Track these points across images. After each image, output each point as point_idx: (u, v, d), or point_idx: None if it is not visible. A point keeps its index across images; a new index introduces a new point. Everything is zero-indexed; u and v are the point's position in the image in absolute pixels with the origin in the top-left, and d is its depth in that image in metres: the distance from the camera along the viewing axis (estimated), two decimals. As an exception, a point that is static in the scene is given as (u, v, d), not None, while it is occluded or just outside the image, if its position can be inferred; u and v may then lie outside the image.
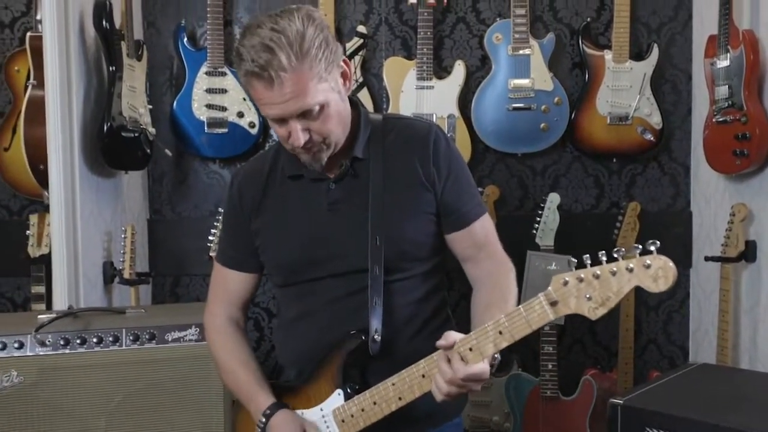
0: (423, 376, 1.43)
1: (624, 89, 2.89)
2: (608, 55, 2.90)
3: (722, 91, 2.52)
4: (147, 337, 1.96)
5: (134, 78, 2.67)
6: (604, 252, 1.24)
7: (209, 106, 2.92)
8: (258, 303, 3.07)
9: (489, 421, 2.85)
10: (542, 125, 2.91)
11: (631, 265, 1.21)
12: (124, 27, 2.62)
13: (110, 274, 2.64)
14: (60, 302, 2.35)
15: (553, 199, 2.83)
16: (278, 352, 1.78)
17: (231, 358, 1.69)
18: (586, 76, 2.93)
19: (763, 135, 2.38)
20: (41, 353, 1.90)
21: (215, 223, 2.80)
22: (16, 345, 1.89)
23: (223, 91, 2.93)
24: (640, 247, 1.21)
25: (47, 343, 1.91)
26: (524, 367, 2.84)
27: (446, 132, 2.86)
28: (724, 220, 2.61)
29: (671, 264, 1.18)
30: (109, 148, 2.52)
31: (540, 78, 2.90)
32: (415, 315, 1.61)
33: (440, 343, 1.37)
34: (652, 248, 1.20)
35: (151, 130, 2.74)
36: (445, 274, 1.71)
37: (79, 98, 2.44)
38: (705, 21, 2.82)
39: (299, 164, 1.60)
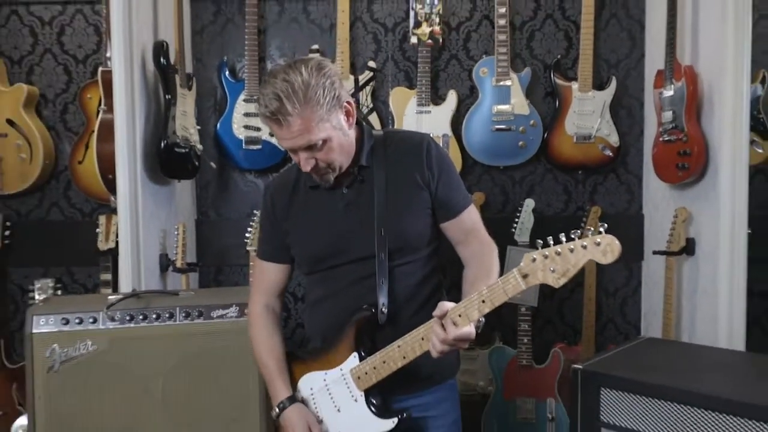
0: (422, 338, 1.49)
1: (588, 114, 2.92)
2: (575, 86, 2.93)
3: (667, 115, 2.57)
4: (196, 314, 2.01)
5: (185, 104, 2.73)
6: (563, 234, 1.30)
7: (246, 127, 2.97)
8: (287, 287, 3.11)
9: (476, 386, 2.88)
10: (520, 143, 2.94)
11: (585, 243, 1.28)
12: (178, 62, 2.69)
13: (165, 264, 2.70)
14: (125, 286, 2.41)
15: (529, 203, 2.87)
16: (306, 326, 1.84)
17: (260, 343, 1.76)
18: (557, 102, 2.97)
19: (700, 151, 2.43)
20: (111, 327, 1.96)
21: (251, 223, 2.86)
22: (90, 320, 1.96)
23: (258, 114, 2.98)
24: (592, 229, 1.28)
25: (116, 318, 1.97)
26: (505, 341, 2.87)
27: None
28: (670, 221, 2.64)
29: (617, 242, 1.26)
30: (165, 161, 2.59)
31: (519, 104, 2.93)
32: (415, 294, 1.66)
33: (435, 312, 1.44)
34: (602, 230, 1.27)
35: (199, 146, 2.80)
36: (440, 262, 1.75)
37: (140, 121, 2.51)
38: (655, 58, 2.86)
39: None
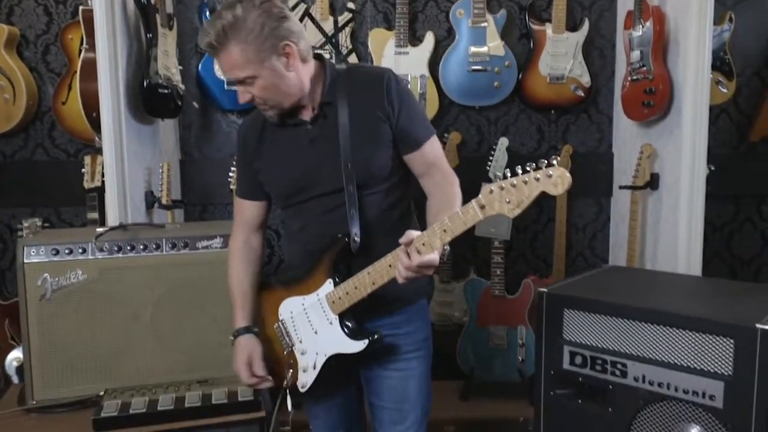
0: (390, 266, 1.53)
1: (561, 55, 2.95)
2: (549, 28, 2.95)
3: (635, 55, 2.61)
4: (182, 245, 2.06)
5: (166, 44, 2.71)
6: (519, 166, 1.34)
7: (227, 68, 2.97)
8: (269, 226, 3.14)
9: (451, 316, 2.99)
10: (495, 84, 2.98)
11: (538, 176, 1.31)
12: (158, 2, 2.66)
13: (151, 200, 2.72)
14: (113, 222, 2.41)
15: (503, 142, 2.93)
16: (285, 256, 1.91)
17: (231, 275, 1.84)
18: (531, 44, 2.99)
19: (665, 90, 2.49)
20: (100, 257, 2.01)
21: (234, 163, 2.88)
22: (80, 250, 2.00)
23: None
24: (545, 161, 1.31)
25: (104, 249, 2.01)
26: (479, 274, 2.96)
27: (418, 89, 2.98)
28: (636, 158, 2.72)
29: (567, 174, 1.29)
30: (148, 100, 2.59)
31: (494, 46, 2.95)
32: (384, 221, 1.71)
33: (401, 240, 1.47)
34: (554, 162, 1.31)
35: (181, 86, 2.79)
36: (408, 189, 1.79)
37: (122, 59, 2.49)
38: (626, 0, 2.87)
39: (282, 115, 1.70)
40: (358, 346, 1.64)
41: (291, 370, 1.75)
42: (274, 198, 1.81)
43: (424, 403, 1.80)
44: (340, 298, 1.64)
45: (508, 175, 1.36)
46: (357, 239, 1.65)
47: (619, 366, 1.78)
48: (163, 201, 2.69)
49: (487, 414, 2.76)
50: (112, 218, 2.43)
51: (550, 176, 1.30)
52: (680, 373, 1.67)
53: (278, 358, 1.79)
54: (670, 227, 2.53)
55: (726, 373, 1.60)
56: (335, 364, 1.67)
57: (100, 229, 2.06)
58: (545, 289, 1.95)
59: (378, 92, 1.66)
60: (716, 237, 3.16)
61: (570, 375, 1.88)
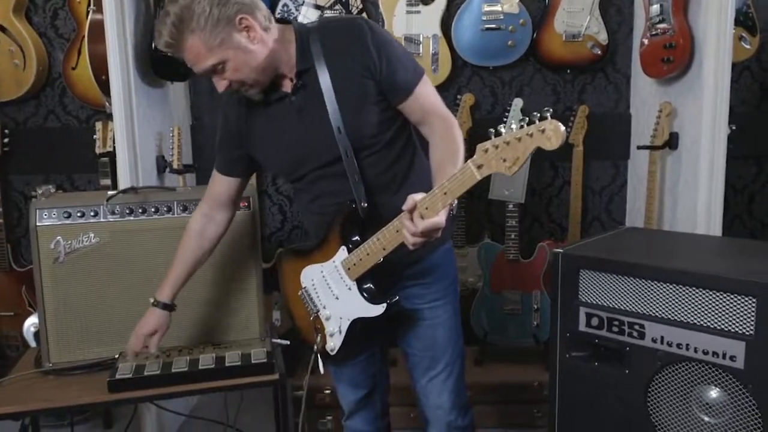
0: (397, 231, 1.50)
1: (577, 11, 2.87)
2: (565, -17, 2.86)
3: (655, 9, 2.52)
4: (193, 207, 2.01)
5: (174, 5, 2.67)
6: (513, 122, 1.30)
7: (237, 31, 2.92)
8: (282, 191, 3.14)
9: (466, 282, 2.97)
10: (510, 43, 2.91)
11: (531, 131, 1.26)
12: (164, -38, 2.61)
13: (162, 165, 2.70)
14: (124, 186, 2.41)
15: (517, 103, 2.85)
16: (304, 224, 1.92)
17: (181, 246, 1.85)
18: (546, 0, 2.91)
19: (686, 44, 2.40)
20: (111, 219, 1.99)
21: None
22: (92, 213, 1.98)
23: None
24: (538, 115, 1.25)
25: (116, 211, 1.99)
26: (493, 238, 2.92)
27: (430, 49, 2.91)
28: (655, 118, 2.64)
29: (561, 127, 1.23)
30: (156, 61, 2.55)
31: (508, 3, 2.87)
32: (390, 179, 1.67)
33: (404, 206, 1.43)
34: (547, 115, 1.25)
35: (190, 48, 2.75)
36: (409, 137, 1.73)
37: (130, 21, 2.45)
38: (647, -48, 2.77)
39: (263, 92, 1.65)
40: (377, 309, 1.63)
41: (319, 334, 1.75)
42: (276, 174, 1.81)
43: (454, 346, 1.82)
44: (355, 265, 1.63)
45: (502, 131, 1.31)
46: (364, 204, 1.62)
47: (636, 327, 1.74)
48: (174, 165, 2.67)
49: (501, 379, 2.74)
50: (124, 183, 2.43)
51: (542, 131, 1.24)
52: (700, 333, 1.62)
53: (306, 322, 1.80)
54: (690, 188, 2.46)
55: (747, 333, 1.56)
56: (361, 326, 1.66)
57: (111, 192, 2.04)
58: (560, 250, 1.90)
59: (355, 46, 1.57)
60: (737, 199, 3.09)
61: (586, 337, 1.84)
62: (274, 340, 2.05)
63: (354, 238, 1.65)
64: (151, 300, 1.82)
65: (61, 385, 1.91)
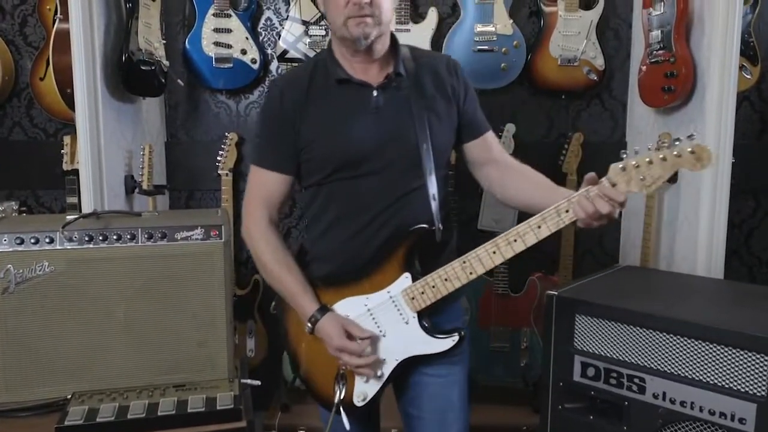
0: (494, 252, 1.45)
1: (573, 35, 2.78)
2: (561, 5, 2.77)
3: (655, 35, 2.43)
4: (159, 235, 1.88)
5: (150, 16, 2.54)
6: (650, 144, 1.35)
7: (216, 44, 2.80)
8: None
9: (451, 314, 2.85)
10: (502, 65, 2.80)
11: (678, 152, 1.30)
12: (140, -30, 2.49)
13: (131, 185, 2.56)
14: (87, 208, 2.29)
15: (510, 128, 2.77)
16: (312, 248, 1.68)
17: (276, 261, 1.62)
18: (541, 22, 2.82)
19: (688, 73, 2.30)
20: (68, 247, 1.84)
21: (222, 146, 2.73)
22: (47, 240, 1.83)
23: (228, 30, 2.80)
24: (681, 138, 1.30)
25: (74, 238, 1.84)
26: (481, 270, 2.81)
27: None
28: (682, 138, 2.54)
29: (709, 149, 1.29)
30: (128, 76, 2.42)
31: (502, 24, 2.78)
32: (444, 209, 1.59)
33: (588, 177, 1.41)
34: (695, 135, 1.30)
35: (165, 62, 2.62)
36: None
37: (100, 31, 2.32)
38: (646, -24, 2.69)
39: (344, 71, 1.55)
40: (444, 344, 1.53)
41: (342, 383, 1.57)
42: (317, 167, 1.58)
43: (467, 413, 1.67)
44: (423, 293, 1.51)
45: (637, 150, 1.35)
46: (441, 227, 1.53)
47: (636, 380, 1.62)
48: (144, 186, 2.54)
49: (487, 421, 2.60)
50: (87, 203, 2.29)
51: (692, 152, 1.28)
52: (706, 391, 1.51)
53: (321, 370, 1.62)
54: (690, 225, 2.36)
55: (759, 394, 1.44)
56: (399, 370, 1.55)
57: (69, 217, 1.89)
58: (555, 292, 1.78)
59: (448, 74, 1.60)
60: (735, 234, 3.00)
61: (581, 388, 1.72)
62: (244, 381, 1.90)
63: (418, 266, 1.53)
64: (307, 328, 1.58)
65: (7, 429, 1.75)
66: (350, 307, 1.57)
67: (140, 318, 1.88)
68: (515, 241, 1.44)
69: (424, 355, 1.54)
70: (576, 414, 1.74)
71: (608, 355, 1.68)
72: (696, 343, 1.52)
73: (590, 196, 1.37)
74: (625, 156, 1.35)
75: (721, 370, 1.49)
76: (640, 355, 1.62)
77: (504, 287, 2.70)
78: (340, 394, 1.57)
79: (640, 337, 1.62)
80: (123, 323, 1.88)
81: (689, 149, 1.28)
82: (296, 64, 2.77)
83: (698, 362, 1.53)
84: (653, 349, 1.60)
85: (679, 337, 1.55)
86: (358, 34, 1.47)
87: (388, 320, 1.54)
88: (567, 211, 1.41)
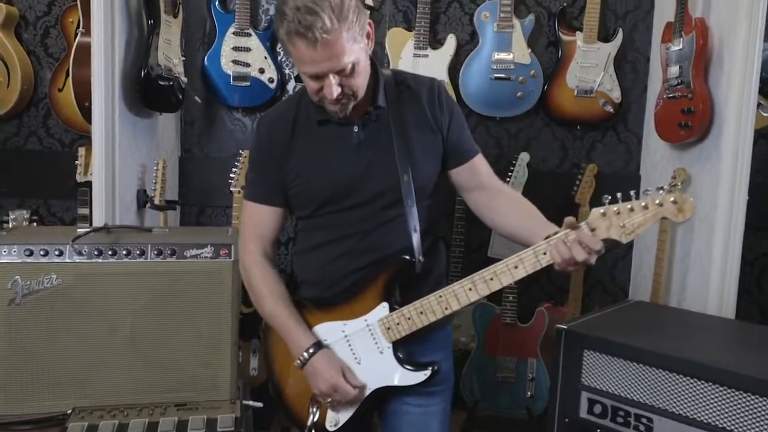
0: (469, 289, 1.43)
1: (591, 66, 2.79)
2: (579, 37, 2.78)
3: (674, 71, 2.42)
4: (169, 252, 1.89)
5: (170, 32, 2.57)
6: (633, 192, 1.31)
7: (235, 62, 2.83)
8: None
9: (458, 341, 2.81)
10: (519, 94, 2.81)
11: (661, 200, 1.27)
12: (163, -13, 2.52)
13: (143, 200, 2.57)
14: (98, 221, 2.28)
15: (524, 157, 2.76)
16: (299, 271, 1.70)
17: (269, 293, 1.63)
18: (559, 53, 2.82)
19: (705, 110, 2.29)
20: (77, 260, 1.84)
21: (236, 163, 2.74)
22: (56, 252, 1.83)
23: (248, 49, 2.83)
24: (664, 187, 1.27)
25: (83, 252, 1.85)
26: (489, 298, 2.76)
27: (436, 95, 2.81)
28: (667, 183, 2.52)
29: (691, 200, 1.26)
30: (146, 91, 2.44)
31: (520, 53, 2.79)
32: (428, 239, 1.58)
33: (567, 220, 1.37)
34: (678, 184, 1.24)
35: (183, 78, 2.65)
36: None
37: (120, 46, 2.35)
38: (665, 10, 2.69)
39: (324, 111, 1.54)
40: (416, 377, 1.52)
41: (316, 406, 1.59)
42: (303, 203, 1.61)
43: None
44: (398, 324, 1.50)
45: (619, 198, 1.31)
46: (422, 258, 1.52)
47: (644, 420, 1.59)
48: (156, 201, 2.54)
49: (489, 451, 2.58)
50: (98, 217, 2.29)
51: (674, 202, 1.25)
52: (715, 435, 1.48)
53: (297, 392, 1.63)
54: (702, 262, 2.33)
55: (769, 441, 1.41)
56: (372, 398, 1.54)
57: (80, 230, 1.90)
58: (564, 326, 1.76)
59: (430, 101, 1.57)
60: (747, 272, 2.96)
61: (587, 425, 1.70)
62: (246, 402, 1.88)
63: (396, 296, 1.52)
64: (298, 363, 1.57)
65: (5, 441, 1.74)
66: (328, 332, 1.58)
67: (145, 335, 1.88)
68: (491, 279, 1.42)
69: (399, 386, 1.53)
70: (581, 451, 1.71)
71: (616, 392, 1.65)
72: (706, 385, 1.50)
73: (568, 241, 1.34)
74: (607, 201, 1.32)
75: (731, 414, 1.46)
76: (648, 395, 1.59)
77: (512, 316, 2.67)
78: (313, 418, 1.58)
79: (649, 376, 1.59)
80: (128, 339, 1.87)
81: (671, 199, 1.26)
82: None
83: (707, 405, 1.50)
84: (662, 389, 1.57)
85: (688, 378, 1.52)
86: (333, 111, 1.50)
87: (363, 348, 1.54)
88: (545, 254, 1.37)
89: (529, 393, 2.62)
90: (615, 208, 1.30)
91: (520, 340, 2.65)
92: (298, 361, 1.57)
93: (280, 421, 2.69)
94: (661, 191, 1.28)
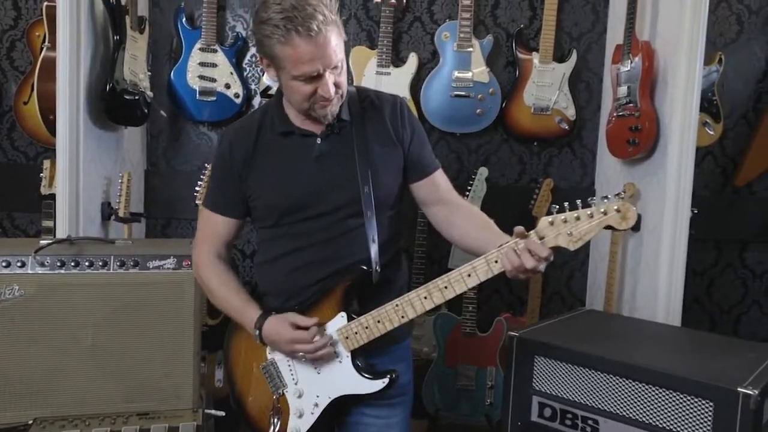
0: (425, 297, 1.47)
1: (547, 85, 2.88)
2: (536, 57, 2.88)
3: (623, 90, 2.53)
4: (131, 263, 1.92)
5: (136, 48, 2.59)
6: (580, 201, 1.36)
7: (201, 77, 2.86)
8: (234, 245, 3.02)
9: (420, 352, 2.85)
10: (478, 111, 2.89)
11: (605, 209, 1.32)
12: (129, 4, 2.54)
13: (107, 212, 2.57)
14: (62, 233, 2.28)
15: (483, 172, 2.83)
16: (262, 282, 1.73)
17: (221, 285, 1.66)
18: (517, 72, 2.92)
19: (651, 127, 2.40)
20: (40, 272, 1.86)
21: (202, 176, 2.76)
22: (18, 264, 1.85)
23: (214, 65, 2.87)
24: (609, 197, 1.32)
25: (45, 263, 1.86)
26: (450, 308, 2.84)
27: (398, 111, 2.88)
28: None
29: (634, 209, 1.31)
30: (111, 105, 2.45)
31: (479, 72, 2.87)
32: (390, 250, 1.62)
33: (517, 229, 1.41)
34: (622, 195, 1.33)
35: (149, 93, 2.67)
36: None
37: (86, 60, 2.36)
38: (616, 32, 2.80)
39: (288, 123, 1.59)
40: (375, 386, 1.54)
41: (277, 417, 1.61)
42: (264, 215, 1.65)
43: None
44: (356, 333, 1.53)
45: (567, 208, 1.36)
46: (378, 269, 1.55)
47: (590, 422, 1.66)
48: (120, 213, 2.55)
49: (450, 458, 2.63)
50: (62, 229, 2.29)
51: (617, 210, 1.29)
52: (655, 435, 1.55)
53: (257, 403, 1.66)
54: (651, 271, 2.43)
55: (704, 439, 1.49)
56: (331, 408, 1.56)
57: (43, 242, 1.91)
58: (516, 333, 1.83)
59: (393, 116, 1.61)
60: (696, 282, 3.08)
61: (538, 428, 1.76)
62: (208, 411, 1.91)
63: (355, 306, 1.55)
64: (255, 337, 1.59)
65: (-36, 452, 1.74)
66: None
67: (108, 345, 1.90)
68: (446, 288, 1.46)
69: (358, 394, 1.56)
70: (532, 454, 1.77)
71: (564, 396, 1.72)
72: (646, 387, 1.57)
73: (518, 249, 1.39)
74: (555, 210, 1.38)
75: (669, 414, 1.54)
76: (594, 398, 1.67)
77: (472, 326, 2.73)
78: (274, 429, 1.60)
79: (595, 380, 1.66)
80: (90, 350, 1.89)
81: (615, 207, 1.31)
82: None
83: (648, 406, 1.58)
84: (607, 392, 1.64)
85: (630, 381, 1.60)
86: (324, 114, 1.54)
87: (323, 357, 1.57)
88: (496, 262, 1.42)
89: (488, 401, 2.68)
90: (562, 217, 1.35)
91: (479, 349, 2.71)
92: (256, 338, 1.59)
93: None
94: (605, 200, 1.33)
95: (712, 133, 2.84)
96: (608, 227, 1.33)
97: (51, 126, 2.40)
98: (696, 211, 2.54)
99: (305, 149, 1.59)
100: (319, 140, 1.59)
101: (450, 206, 1.67)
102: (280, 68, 1.48)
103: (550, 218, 1.37)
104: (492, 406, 2.67)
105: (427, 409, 2.74)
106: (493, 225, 1.60)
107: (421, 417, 2.77)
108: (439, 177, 1.69)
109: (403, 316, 1.49)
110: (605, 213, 1.31)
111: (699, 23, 2.25)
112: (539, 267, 1.40)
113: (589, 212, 1.33)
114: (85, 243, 1.97)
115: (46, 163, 2.66)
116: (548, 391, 1.75)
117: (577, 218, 1.34)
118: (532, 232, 1.39)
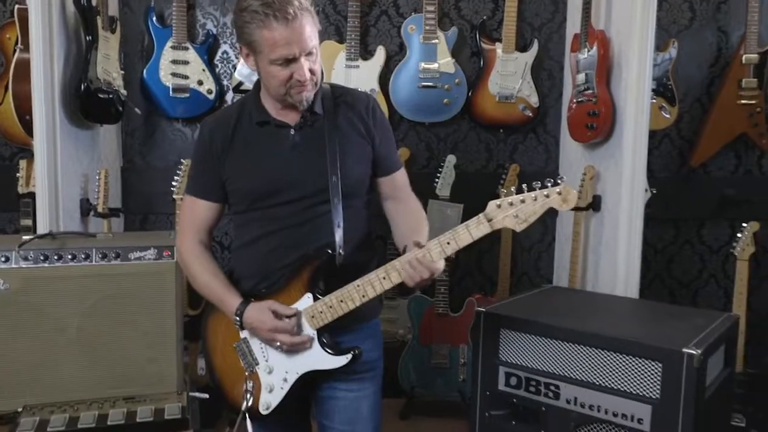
0: (383, 277, 1.54)
1: (510, 74, 2.99)
2: (499, 47, 2.99)
3: (581, 77, 2.65)
4: (113, 255, 1.97)
5: (109, 47, 2.65)
6: (525, 184, 1.44)
7: (174, 75, 2.92)
8: (214, 236, 3.08)
9: (395, 333, 2.96)
10: (445, 101, 2.99)
11: (548, 192, 1.41)
12: (100, 4, 2.59)
13: (86, 208, 2.63)
14: (42, 230, 2.34)
15: (451, 159, 2.94)
16: (238, 266, 1.79)
17: (203, 270, 1.72)
18: (481, 62, 3.02)
19: (608, 112, 2.53)
20: (24, 266, 1.91)
21: (178, 171, 2.82)
22: (2, 259, 1.89)
23: (186, 62, 2.93)
24: (552, 180, 1.41)
25: (29, 258, 1.92)
26: (424, 291, 2.95)
27: (368, 103, 2.97)
28: (578, 179, 2.74)
29: (574, 192, 1.41)
30: (86, 104, 2.51)
31: (444, 63, 2.97)
32: (358, 236, 1.70)
33: (416, 240, 1.51)
34: (564, 178, 1.42)
35: (123, 91, 2.73)
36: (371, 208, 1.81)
37: (59, 61, 2.42)
38: (575, 22, 2.90)
39: (265, 113, 1.67)
40: (339, 361, 1.61)
41: (250, 392, 1.68)
42: (239, 198, 1.72)
43: (376, 423, 1.76)
44: (321, 312, 1.60)
45: (513, 191, 1.44)
46: (342, 252, 1.63)
47: (552, 388, 1.78)
48: (99, 209, 2.61)
49: (426, 433, 2.74)
50: (43, 225, 2.35)
51: (559, 193, 1.39)
52: (610, 395, 1.68)
53: (232, 380, 1.73)
54: (611, 249, 2.56)
55: (653, 397, 1.62)
56: (301, 383, 1.64)
57: (25, 237, 1.97)
58: (483, 309, 1.94)
59: (364, 113, 1.70)
60: (657, 259, 3.22)
61: (505, 396, 1.88)
62: (192, 394, 1.99)
63: (320, 287, 1.63)
64: (237, 318, 1.65)
65: (-43, 441, 1.81)
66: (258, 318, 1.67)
67: (92, 334, 1.96)
68: (402, 269, 1.55)
69: (325, 370, 1.65)
70: (500, 420, 1.88)
71: (528, 365, 1.84)
72: (601, 352, 1.70)
73: (415, 260, 1.51)
74: (503, 194, 1.47)
75: (622, 376, 1.67)
76: (555, 365, 1.79)
77: (444, 307, 2.84)
78: (247, 403, 1.68)
79: (555, 349, 1.78)
80: (75, 339, 1.95)
81: (557, 191, 1.41)
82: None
83: (603, 370, 1.70)
84: (566, 359, 1.76)
85: (586, 347, 1.72)
86: (299, 99, 1.63)
87: None
88: (398, 272, 1.53)
89: (461, 377, 2.80)
90: (509, 200, 1.44)
91: (452, 328, 2.83)
92: (237, 326, 1.67)
93: (228, 417, 2.78)
94: (549, 184, 1.43)
95: (668, 116, 2.98)
96: (551, 209, 1.43)
97: (27, 126, 2.45)
98: (654, 191, 2.68)
99: (280, 139, 1.68)
100: (293, 131, 1.67)
101: (399, 203, 1.78)
102: (258, 53, 1.58)
103: (498, 201, 1.46)
104: (465, 382, 2.79)
105: (403, 387, 2.85)
106: (423, 229, 1.69)
107: (397, 395, 2.88)
108: (399, 176, 1.79)
109: (363, 295, 1.57)
110: (548, 196, 1.41)
111: (649, 12, 2.37)
112: (427, 282, 1.53)
113: (533, 195, 1.42)
114: (68, 237, 2.02)
115: (23, 163, 2.70)
116: (513, 362, 1.87)
117: (523, 201, 1.43)
118: (481, 214, 1.47)
